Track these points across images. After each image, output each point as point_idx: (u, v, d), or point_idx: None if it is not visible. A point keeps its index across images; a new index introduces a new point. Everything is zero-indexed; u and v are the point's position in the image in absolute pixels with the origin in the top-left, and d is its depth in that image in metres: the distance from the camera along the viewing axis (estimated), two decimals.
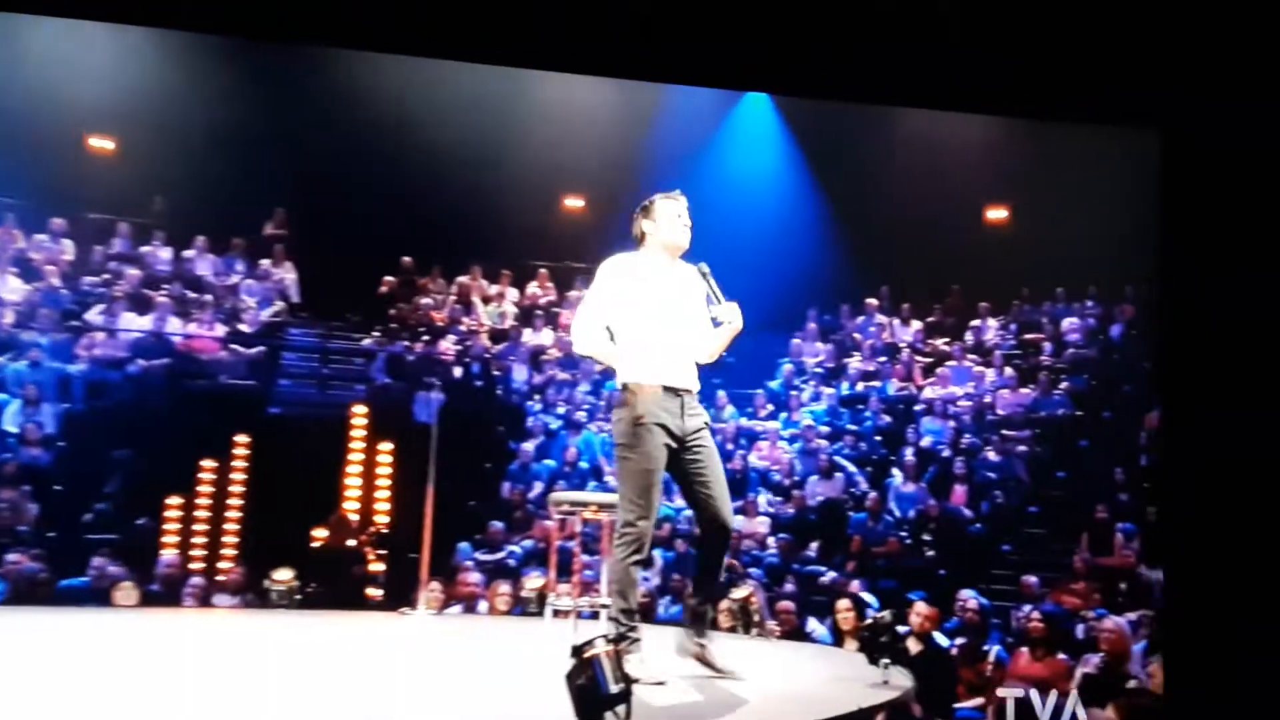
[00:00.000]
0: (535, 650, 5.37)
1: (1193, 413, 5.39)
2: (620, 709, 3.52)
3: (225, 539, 9.82)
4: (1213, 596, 5.50)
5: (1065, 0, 6.36)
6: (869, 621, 5.22)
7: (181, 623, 7.21)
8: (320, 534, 9.58)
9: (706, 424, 4.41)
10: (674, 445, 4.30)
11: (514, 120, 13.41)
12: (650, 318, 4.38)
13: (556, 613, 5.72)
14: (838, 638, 7.60)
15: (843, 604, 7.52)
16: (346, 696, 4.36)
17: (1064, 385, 11.83)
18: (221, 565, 9.54)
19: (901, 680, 4.94)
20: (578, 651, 3.52)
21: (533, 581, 7.39)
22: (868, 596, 8.59)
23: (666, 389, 4.30)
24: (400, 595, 9.05)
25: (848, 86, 7.41)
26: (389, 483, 10.37)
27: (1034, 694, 4.69)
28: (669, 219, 4.51)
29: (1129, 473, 10.48)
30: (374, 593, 9.16)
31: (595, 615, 5.73)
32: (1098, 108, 6.02)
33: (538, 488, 11.03)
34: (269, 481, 10.14)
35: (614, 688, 3.45)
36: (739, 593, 6.76)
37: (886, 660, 5.00)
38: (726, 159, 13.60)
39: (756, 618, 6.64)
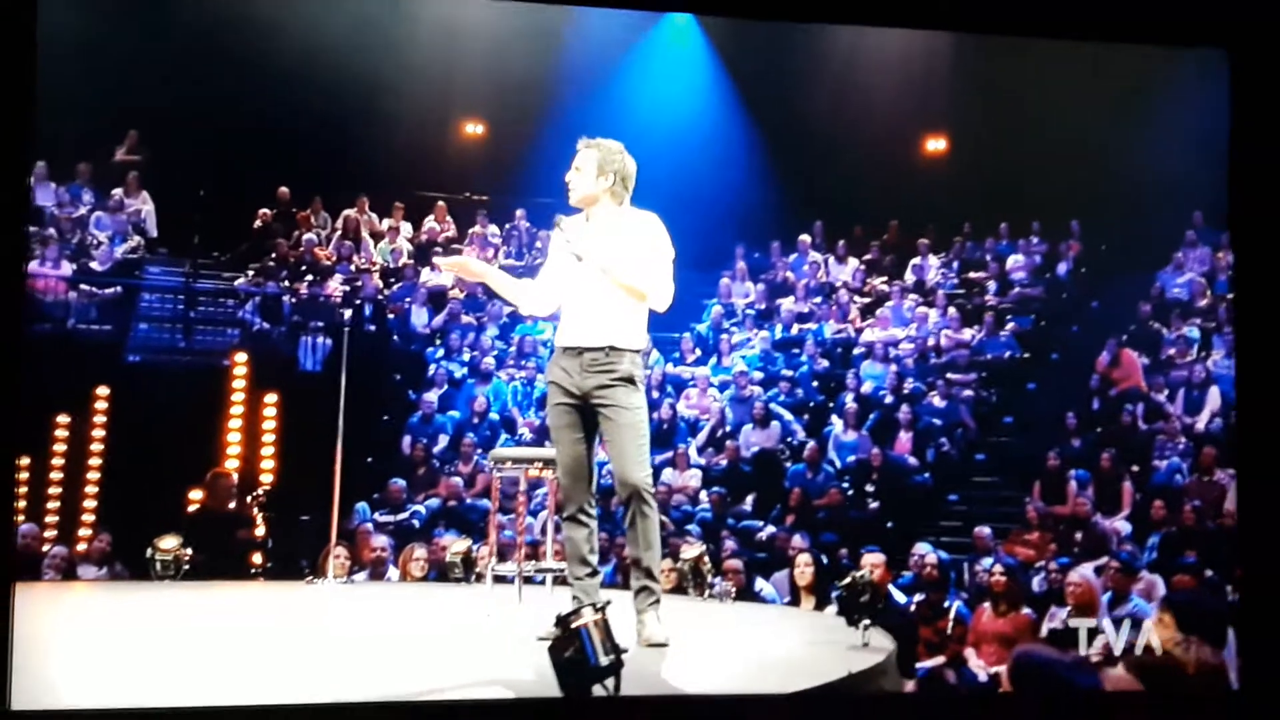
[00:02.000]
0: (494, 617, 5.22)
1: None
2: (609, 681, 3.36)
3: (85, 504, 9.23)
4: None
5: None
6: (847, 580, 5.15)
7: (66, 599, 6.71)
8: (196, 496, 9.07)
9: (620, 379, 4.58)
10: (575, 403, 4.63)
11: (405, 37, 12.83)
12: (557, 278, 4.77)
13: (500, 579, 5.46)
14: (795, 594, 7.50)
15: (802, 559, 7.41)
16: (329, 675, 4.14)
17: (1010, 326, 11.88)
18: (82, 533, 8.97)
19: (883, 642, 4.89)
20: (563, 622, 3.44)
21: (456, 545, 7.07)
22: None
23: (565, 349, 4.68)
24: (287, 561, 8.73)
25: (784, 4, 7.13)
26: (274, 438, 9.88)
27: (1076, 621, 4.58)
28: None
29: (1081, 417, 10.57)
30: (259, 560, 8.73)
31: (543, 581, 5.50)
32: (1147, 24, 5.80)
33: (442, 441, 10.67)
34: (132, 438, 9.58)
35: (604, 659, 3.37)
36: (689, 553, 6.60)
37: (866, 621, 4.94)
38: (644, 84, 13.20)
39: (710, 578, 6.49)
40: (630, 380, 4.64)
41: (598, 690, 3.39)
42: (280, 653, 4.70)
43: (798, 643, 5.20)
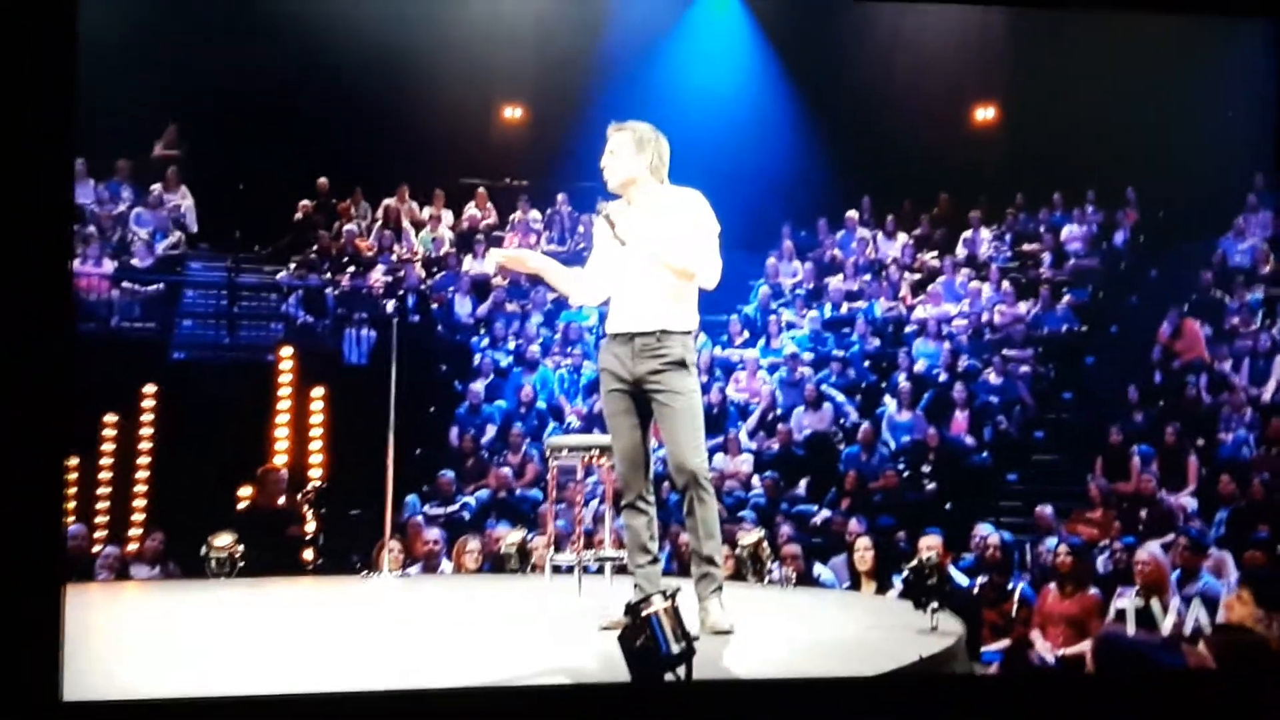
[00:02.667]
0: (553, 608, 5.22)
1: None
2: (680, 669, 3.37)
3: (136, 503, 9.37)
4: None
5: None
6: (914, 563, 5.12)
7: (127, 599, 6.83)
8: (246, 493, 9.17)
9: (672, 363, 4.54)
10: (628, 389, 4.60)
11: (443, 23, 12.89)
12: (605, 265, 4.73)
13: (558, 569, 5.49)
14: (854, 579, 7.48)
15: (862, 543, 7.39)
16: (393, 666, 4.18)
17: (1066, 299, 11.77)
18: (133, 533, 9.11)
19: (953, 625, 4.86)
20: (633, 610, 3.42)
21: (510, 536, 7.11)
22: None
23: (615, 335, 4.63)
24: (339, 556, 8.82)
25: None
26: (321, 432, 9.98)
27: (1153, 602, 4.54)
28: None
29: (1142, 391, 10.46)
30: (309, 556, 8.83)
31: (600, 570, 5.53)
32: None
33: (490, 432, 10.74)
34: (180, 436, 9.70)
35: (675, 647, 3.37)
36: (747, 539, 6.58)
37: (935, 604, 4.91)
38: (686, 62, 13.20)
39: (769, 564, 6.48)
40: (682, 364, 4.60)
41: (668, 679, 3.39)
42: (346, 643, 4.73)
43: (863, 627, 5.17)
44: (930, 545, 7.43)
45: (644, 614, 3.38)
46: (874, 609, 6.02)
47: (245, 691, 3.62)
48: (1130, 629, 3.96)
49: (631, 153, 4.67)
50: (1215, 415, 10.10)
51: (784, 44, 13.20)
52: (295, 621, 5.46)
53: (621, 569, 5.65)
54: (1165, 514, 9.32)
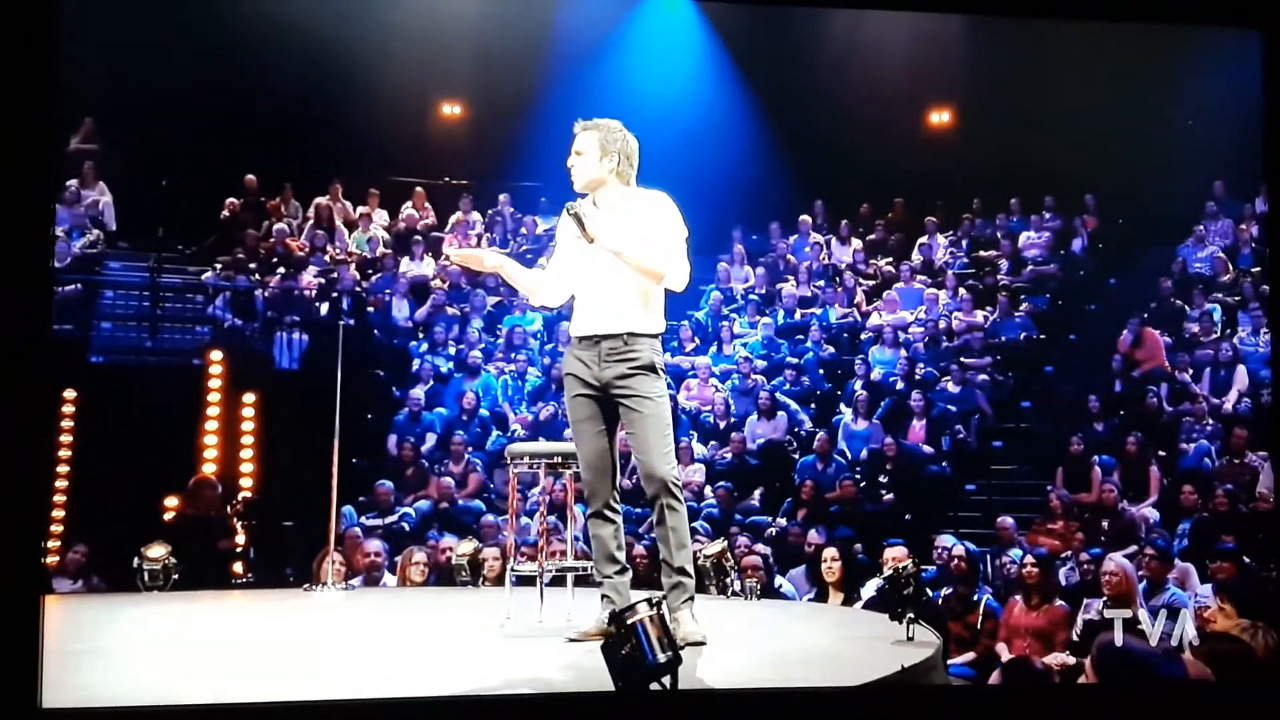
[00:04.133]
0: (526, 619, 5.16)
1: None
2: (666, 679, 3.35)
3: (55, 514, 9.10)
4: None
5: None
6: (889, 573, 5.16)
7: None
8: (172, 503, 8.98)
9: (641, 367, 4.54)
10: (594, 394, 4.60)
11: (379, 15, 12.75)
12: (568, 266, 4.74)
13: (520, 580, 5.43)
14: (819, 591, 7.49)
15: (829, 554, 7.41)
16: (355, 678, 4.12)
17: (1024, 306, 11.91)
18: (53, 545, 8.84)
19: (927, 636, 4.90)
20: (618, 619, 3.43)
21: (461, 547, 7.02)
22: None
23: (581, 338, 4.64)
24: (271, 570, 8.65)
25: None
26: (253, 440, 9.79)
27: (1144, 614, 4.56)
28: None
29: (1103, 400, 10.60)
30: (240, 569, 8.67)
31: (561, 581, 5.48)
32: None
33: (431, 440, 10.61)
34: (102, 444, 9.45)
35: (661, 656, 3.39)
36: (710, 549, 6.56)
37: (910, 615, 4.94)
38: (634, 61, 13.14)
39: (732, 576, 6.45)
40: (652, 368, 4.59)
41: (655, 688, 3.36)
42: (304, 657, 4.67)
43: (838, 637, 5.18)
44: (895, 557, 7.47)
45: (629, 622, 3.37)
46: (845, 620, 6.04)
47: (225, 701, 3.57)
48: (1119, 639, 3.95)
49: (598, 154, 4.65)
50: (1176, 425, 10.25)
51: (736, 45, 13.22)
52: (251, 634, 5.37)
53: (583, 579, 5.61)
54: (1128, 525, 9.46)
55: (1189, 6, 5.65)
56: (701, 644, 4.47)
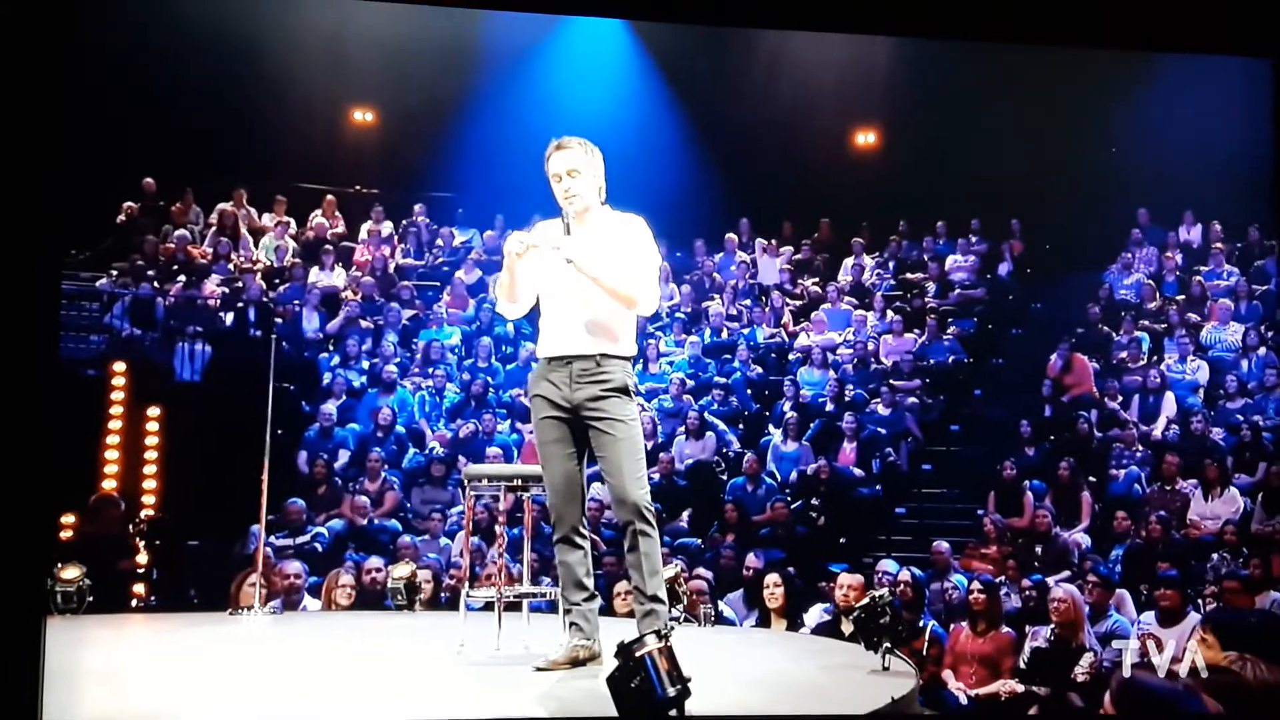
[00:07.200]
0: (483, 646, 4.94)
1: None
2: (674, 713, 3.20)
3: None
4: None
5: None
6: (866, 602, 5.08)
7: None
8: (69, 521, 8.48)
9: (613, 390, 4.46)
10: (564, 416, 4.49)
11: (287, 17, 12.41)
12: (538, 285, 4.61)
13: (473, 607, 5.19)
14: (761, 616, 7.37)
15: (771, 579, 7.32)
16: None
17: (952, 329, 11.97)
18: None
19: (902, 665, 4.84)
20: (626, 651, 3.33)
21: (397, 570, 6.71)
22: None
23: (551, 359, 4.54)
24: (174, 592, 8.26)
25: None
26: (156, 455, 9.32)
27: (1150, 645, 4.50)
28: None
29: (1033, 425, 10.66)
30: (141, 591, 8.24)
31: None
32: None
33: (344, 457, 10.23)
34: None
35: (670, 690, 3.29)
36: (665, 572, 6.35)
37: (887, 644, 4.88)
38: (555, 73, 13.00)
39: (684, 601, 6.27)
40: (624, 390, 4.48)
41: None
42: (255, 683, 4.43)
43: (817, 666, 5.03)
44: (850, 584, 7.37)
45: (638, 655, 3.22)
46: (808, 649, 5.89)
47: None
48: (1127, 670, 3.88)
49: (593, 174, 4.54)
50: (1107, 451, 10.35)
51: (663, 62, 13.14)
52: (189, 660, 5.07)
53: (542, 607, 5.40)
54: (1061, 551, 9.52)
55: (1204, 37, 5.68)
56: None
